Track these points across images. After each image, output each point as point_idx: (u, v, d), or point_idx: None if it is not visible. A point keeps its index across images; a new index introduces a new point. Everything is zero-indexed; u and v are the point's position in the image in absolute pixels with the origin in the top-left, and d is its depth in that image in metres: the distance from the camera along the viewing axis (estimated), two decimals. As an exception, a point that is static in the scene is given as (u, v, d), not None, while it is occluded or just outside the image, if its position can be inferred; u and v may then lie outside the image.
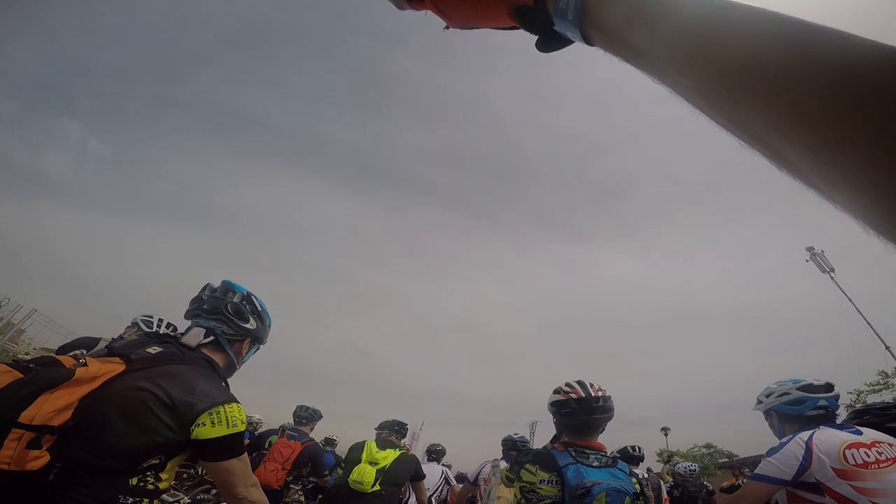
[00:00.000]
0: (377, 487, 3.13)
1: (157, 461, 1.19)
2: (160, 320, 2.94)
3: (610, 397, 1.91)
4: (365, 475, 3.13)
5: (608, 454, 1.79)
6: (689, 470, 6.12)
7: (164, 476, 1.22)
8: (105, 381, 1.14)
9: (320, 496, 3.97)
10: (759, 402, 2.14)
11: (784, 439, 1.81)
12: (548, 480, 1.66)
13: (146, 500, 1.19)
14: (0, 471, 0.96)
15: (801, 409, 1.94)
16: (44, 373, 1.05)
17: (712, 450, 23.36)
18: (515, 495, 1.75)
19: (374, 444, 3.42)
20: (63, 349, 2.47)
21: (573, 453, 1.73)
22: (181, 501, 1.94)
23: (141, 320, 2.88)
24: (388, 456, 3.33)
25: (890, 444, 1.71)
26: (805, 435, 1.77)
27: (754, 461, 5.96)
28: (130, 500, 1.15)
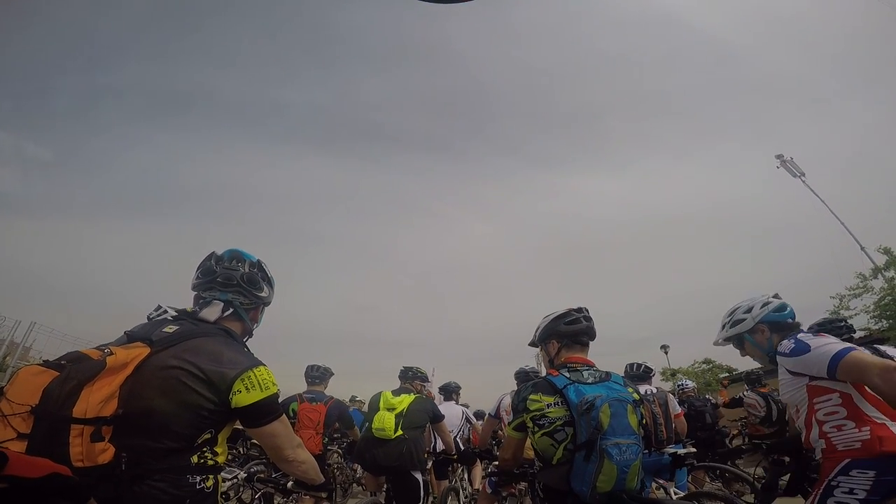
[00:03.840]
0: (400, 432, 3.24)
1: (209, 435, 1.25)
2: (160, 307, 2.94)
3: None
4: (385, 421, 3.24)
5: (599, 370, 1.87)
6: (680, 386, 6.25)
7: (218, 450, 1.29)
8: (136, 365, 1.16)
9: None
10: (737, 322, 2.03)
11: (792, 337, 1.78)
12: (553, 403, 1.73)
13: (210, 477, 1.25)
14: (77, 468, 0.99)
15: (785, 315, 1.97)
16: (78, 367, 1.07)
17: (712, 365, 23.31)
18: (528, 426, 1.79)
19: (389, 393, 3.53)
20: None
21: (567, 374, 1.79)
22: (238, 476, 2.06)
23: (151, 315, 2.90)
24: (404, 400, 3.42)
25: None
26: (812, 332, 1.79)
27: (756, 375, 6.08)
28: (198, 478, 1.21)
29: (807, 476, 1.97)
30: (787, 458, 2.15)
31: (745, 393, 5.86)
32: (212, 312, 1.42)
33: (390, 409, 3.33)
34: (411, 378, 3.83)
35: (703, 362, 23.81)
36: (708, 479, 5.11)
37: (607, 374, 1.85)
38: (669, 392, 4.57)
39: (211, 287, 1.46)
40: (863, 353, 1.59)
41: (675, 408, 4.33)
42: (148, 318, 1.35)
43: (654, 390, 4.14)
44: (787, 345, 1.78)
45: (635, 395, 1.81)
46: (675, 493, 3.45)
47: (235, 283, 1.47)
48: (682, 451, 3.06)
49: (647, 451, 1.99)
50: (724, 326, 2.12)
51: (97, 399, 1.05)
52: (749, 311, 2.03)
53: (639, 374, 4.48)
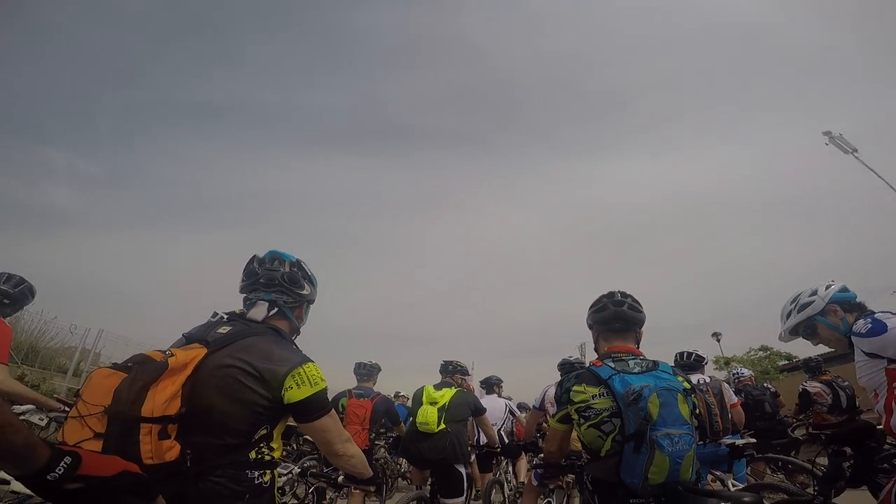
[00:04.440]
0: (443, 426, 3.29)
1: (265, 431, 1.30)
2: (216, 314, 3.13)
3: (639, 302, 1.95)
4: (428, 415, 3.30)
5: (646, 359, 1.80)
6: (735, 375, 5.93)
7: (274, 445, 1.34)
8: (195, 366, 1.22)
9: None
10: (805, 305, 1.92)
11: (870, 316, 1.68)
12: (598, 394, 1.68)
13: (267, 472, 1.31)
14: (147, 466, 1.05)
15: (852, 295, 1.87)
16: (143, 368, 1.13)
17: (769, 352, 22.15)
18: (573, 417, 1.75)
19: (431, 387, 3.57)
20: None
21: (612, 364, 1.74)
22: (293, 471, 2.15)
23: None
24: (445, 394, 3.46)
25: None
26: (884, 312, 1.68)
27: (816, 363, 5.65)
28: (256, 473, 1.26)
29: (872, 467, 1.85)
30: (847, 449, 2.02)
31: (805, 383, 5.51)
32: (258, 312, 1.47)
33: (433, 404, 3.37)
34: (451, 372, 3.86)
35: (760, 349, 22.71)
36: (769, 471, 4.85)
37: (655, 362, 1.78)
38: (724, 381, 4.27)
39: (255, 288, 1.52)
40: None
41: (732, 397, 4.11)
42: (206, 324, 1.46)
43: (707, 380, 3.93)
44: (862, 324, 1.67)
45: (686, 384, 1.73)
46: (734, 485, 3.30)
47: (277, 283, 1.51)
48: (740, 441, 2.92)
49: (702, 441, 1.91)
50: (788, 315, 1.99)
51: (162, 398, 1.11)
52: (815, 293, 1.92)
53: (689, 363, 4.23)
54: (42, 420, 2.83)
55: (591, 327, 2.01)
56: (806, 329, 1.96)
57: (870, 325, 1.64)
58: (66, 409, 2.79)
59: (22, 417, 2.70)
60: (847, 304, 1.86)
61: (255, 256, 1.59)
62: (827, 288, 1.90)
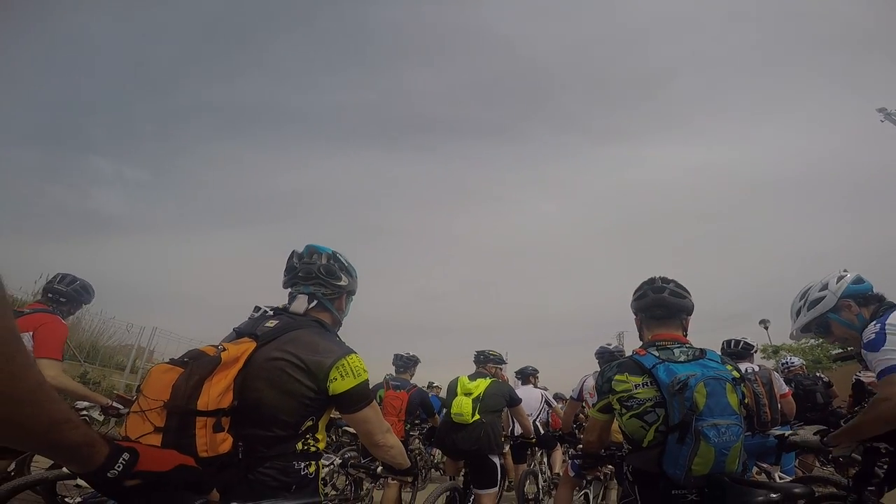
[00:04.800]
0: (477, 416, 3.28)
1: (311, 422, 1.34)
2: (258, 308, 3.22)
3: (683, 287, 1.85)
4: (463, 406, 3.29)
5: (693, 347, 1.72)
6: (784, 364, 5.67)
7: (319, 437, 1.38)
8: (245, 359, 1.26)
9: (433, 438, 4.17)
10: (816, 301, 1.77)
11: (881, 321, 1.56)
12: (642, 384, 1.64)
13: (313, 463, 1.34)
14: (202, 458, 1.09)
15: (867, 286, 1.72)
16: (198, 363, 1.16)
17: (821, 340, 21.32)
18: (614, 407, 1.71)
19: (465, 378, 3.55)
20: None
21: (656, 353, 1.68)
22: (335, 462, 2.23)
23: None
24: (480, 385, 3.43)
25: None
26: None
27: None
28: (303, 464, 1.30)
29: None
30: (883, 446, 1.86)
31: (859, 373, 5.17)
32: (299, 305, 1.51)
33: (467, 394, 3.37)
34: (484, 361, 3.81)
35: (812, 337, 21.54)
36: (818, 464, 4.60)
37: (702, 350, 1.71)
38: (773, 370, 4.06)
39: (295, 283, 1.56)
40: None
41: (782, 387, 3.89)
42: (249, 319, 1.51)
43: (756, 368, 3.73)
44: (870, 331, 1.56)
45: (735, 373, 1.66)
46: (781, 478, 3.16)
47: (315, 276, 1.54)
48: (788, 432, 2.77)
49: (749, 432, 1.83)
50: (799, 312, 1.85)
51: (216, 392, 1.14)
52: (825, 287, 1.76)
53: (737, 351, 4.03)
54: (101, 416, 2.98)
55: (635, 315, 1.95)
56: (819, 327, 1.81)
57: (872, 336, 1.52)
58: (118, 406, 2.94)
59: (83, 413, 2.84)
60: (862, 297, 1.70)
61: (294, 252, 1.63)
62: (839, 280, 1.74)
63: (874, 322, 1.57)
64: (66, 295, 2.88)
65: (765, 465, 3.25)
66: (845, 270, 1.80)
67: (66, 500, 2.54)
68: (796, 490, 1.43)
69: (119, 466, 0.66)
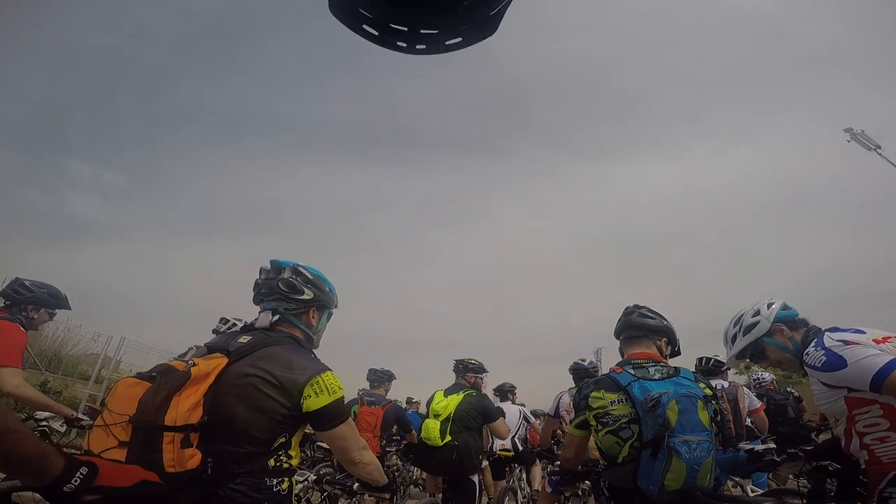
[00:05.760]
0: (448, 438, 3.17)
1: (284, 439, 1.32)
2: (226, 319, 3.12)
3: (655, 311, 1.98)
4: (430, 431, 3.19)
5: (668, 365, 1.80)
6: (756, 380, 5.80)
7: (292, 453, 1.36)
8: (217, 375, 1.24)
9: (411, 454, 4.17)
10: (751, 326, 1.83)
11: (818, 344, 1.61)
12: (617, 400, 1.69)
13: (286, 479, 1.32)
14: (169, 474, 1.06)
15: (794, 312, 1.82)
16: (167, 378, 1.15)
17: (756, 365, 22.15)
18: (591, 423, 1.75)
19: (441, 393, 3.43)
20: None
21: (632, 371, 1.74)
22: (308, 479, 2.16)
23: (216, 328, 3.13)
24: (451, 403, 3.29)
25: None
26: (838, 333, 1.61)
27: None
28: (275, 481, 1.28)
29: (859, 481, 1.75)
30: (830, 464, 1.94)
31: None
32: (262, 320, 1.50)
33: (436, 416, 3.28)
34: (464, 371, 3.65)
35: (762, 368, 22.33)
36: (791, 477, 4.73)
37: (676, 369, 1.78)
38: (744, 386, 4.20)
39: (261, 299, 1.55)
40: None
41: (754, 402, 4.04)
42: (213, 331, 1.47)
43: (726, 385, 3.81)
44: (816, 356, 1.60)
45: (707, 391, 1.73)
46: (753, 491, 3.23)
47: (275, 291, 1.52)
48: (759, 447, 2.84)
49: (721, 448, 1.89)
50: (734, 339, 1.92)
51: (185, 407, 1.12)
52: (757, 313, 1.84)
53: (709, 368, 4.14)
54: (63, 427, 2.84)
55: (618, 340, 2.06)
56: (754, 352, 1.88)
57: (823, 359, 1.57)
58: (83, 416, 2.82)
59: (43, 423, 2.72)
60: (791, 321, 1.80)
61: (261, 268, 1.61)
62: (769, 307, 1.83)
63: (813, 347, 1.63)
64: (27, 301, 2.74)
65: (738, 479, 3.31)
66: (772, 299, 1.89)
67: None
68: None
69: (76, 481, 0.64)
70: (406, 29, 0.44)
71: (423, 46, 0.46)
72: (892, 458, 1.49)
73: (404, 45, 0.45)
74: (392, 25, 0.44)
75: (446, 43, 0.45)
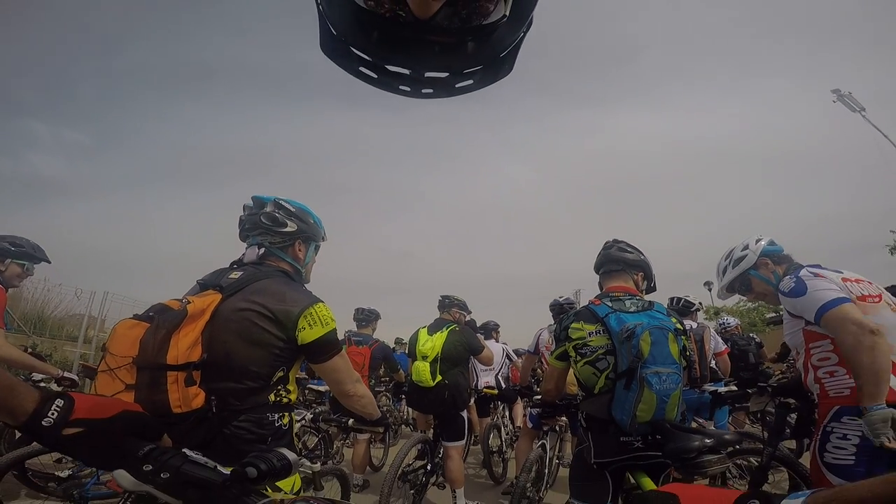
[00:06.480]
0: (439, 378, 3.24)
1: (282, 373, 1.34)
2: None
3: (633, 246, 2.02)
4: (421, 373, 3.26)
5: (643, 299, 1.86)
6: (722, 325, 5.94)
7: (290, 388, 1.39)
8: (212, 311, 1.24)
9: (402, 392, 4.18)
10: (739, 259, 1.94)
11: (794, 274, 1.71)
12: (595, 331, 1.74)
13: (286, 414, 1.36)
14: (176, 414, 1.08)
15: (780, 248, 1.91)
16: (164, 317, 1.14)
17: (758, 304, 23.13)
18: (570, 354, 1.81)
19: (424, 332, 3.46)
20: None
21: (609, 303, 1.80)
22: (305, 417, 2.26)
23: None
24: (437, 342, 3.33)
25: (869, 283, 1.69)
26: (816, 268, 1.70)
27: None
28: (276, 416, 1.31)
29: (813, 419, 1.90)
30: (792, 401, 2.11)
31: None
32: (250, 255, 1.50)
33: (424, 358, 3.33)
34: (449, 306, 3.73)
35: (749, 301, 23.28)
36: (748, 421, 4.95)
37: (650, 303, 1.84)
38: (710, 328, 4.28)
39: (246, 235, 1.55)
40: (849, 309, 1.50)
41: (719, 345, 4.16)
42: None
43: (693, 325, 3.94)
44: (787, 282, 1.71)
45: (678, 325, 1.79)
46: (715, 431, 3.44)
47: (259, 226, 1.52)
48: (722, 389, 3.01)
49: (687, 386, 2.00)
50: (724, 271, 2.03)
51: (185, 345, 1.13)
52: (746, 247, 1.95)
53: (679, 308, 4.23)
54: (56, 388, 2.82)
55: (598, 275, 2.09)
56: (742, 284, 2.00)
57: (792, 285, 1.66)
58: (73, 377, 2.83)
59: (41, 385, 2.70)
60: (776, 256, 1.90)
61: (244, 205, 1.60)
62: (757, 242, 1.93)
63: (788, 277, 1.73)
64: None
65: (700, 420, 3.50)
66: (761, 235, 1.99)
67: (49, 485, 2.42)
68: (727, 437, 1.62)
69: (53, 414, 0.61)
70: (408, 72, 0.41)
71: (430, 91, 0.43)
72: (838, 392, 1.57)
73: (408, 89, 0.43)
74: (390, 68, 0.41)
75: (456, 86, 0.43)
